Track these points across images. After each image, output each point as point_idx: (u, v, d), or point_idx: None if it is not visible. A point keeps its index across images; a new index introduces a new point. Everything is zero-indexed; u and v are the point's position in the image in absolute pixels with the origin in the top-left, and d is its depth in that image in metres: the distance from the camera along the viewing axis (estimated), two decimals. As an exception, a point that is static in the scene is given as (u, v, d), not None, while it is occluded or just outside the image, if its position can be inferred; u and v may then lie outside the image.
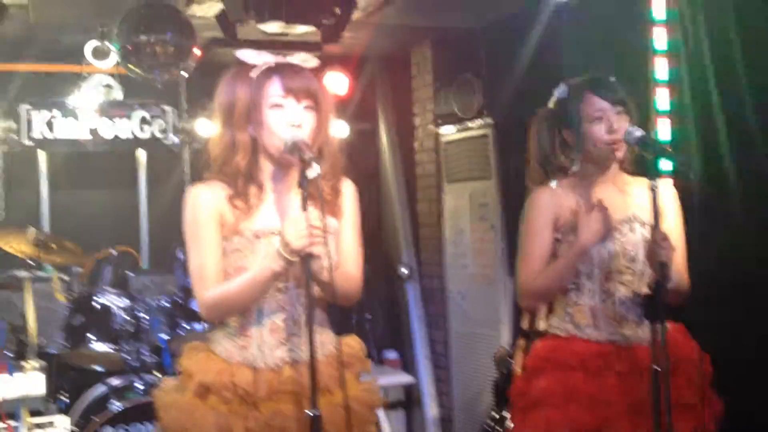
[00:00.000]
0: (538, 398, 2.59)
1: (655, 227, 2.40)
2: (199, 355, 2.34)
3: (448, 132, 5.53)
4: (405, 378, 5.70)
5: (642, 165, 2.62)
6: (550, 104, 2.73)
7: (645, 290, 2.56)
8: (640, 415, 2.44)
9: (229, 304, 2.24)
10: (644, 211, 2.61)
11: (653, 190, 2.35)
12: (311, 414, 2.08)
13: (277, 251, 2.13)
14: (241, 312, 2.28)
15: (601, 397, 2.51)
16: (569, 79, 2.73)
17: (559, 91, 2.70)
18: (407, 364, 5.92)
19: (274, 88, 2.23)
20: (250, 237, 2.25)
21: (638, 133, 2.48)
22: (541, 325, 2.76)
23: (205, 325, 4.41)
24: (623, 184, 2.70)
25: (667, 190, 2.70)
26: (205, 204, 2.25)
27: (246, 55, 2.28)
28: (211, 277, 2.24)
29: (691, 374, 2.57)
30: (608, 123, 2.57)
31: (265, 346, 2.27)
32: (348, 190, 2.40)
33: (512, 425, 2.74)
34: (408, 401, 5.87)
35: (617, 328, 2.61)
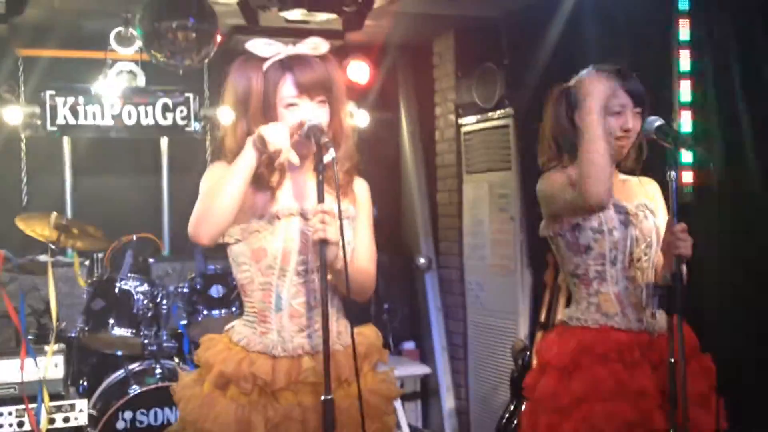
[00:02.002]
0: (585, 393, 2.48)
1: (674, 219, 2.38)
2: (218, 346, 2.33)
3: (469, 122, 5.51)
4: (422, 369, 5.67)
5: (641, 164, 2.63)
6: (572, 83, 2.65)
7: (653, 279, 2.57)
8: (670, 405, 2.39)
9: (211, 199, 2.16)
10: (649, 200, 2.63)
11: (672, 180, 2.33)
12: (324, 399, 2.07)
13: (252, 142, 2.13)
14: (223, 220, 2.18)
15: (641, 388, 2.47)
16: (597, 65, 2.65)
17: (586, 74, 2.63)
18: (424, 355, 5.90)
19: (287, 89, 2.22)
20: (270, 218, 2.25)
21: (657, 122, 2.44)
22: (558, 316, 2.70)
23: (223, 312, 4.45)
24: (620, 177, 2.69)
25: (655, 187, 2.70)
26: (220, 174, 2.20)
27: (256, 46, 2.25)
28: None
29: (703, 365, 2.56)
30: (624, 119, 2.55)
31: (285, 332, 2.26)
32: (361, 186, 2.41)
33: (538, 428, 2.57)
34: (425, 392, 5.87)
35: (642, 315, 2.57)
